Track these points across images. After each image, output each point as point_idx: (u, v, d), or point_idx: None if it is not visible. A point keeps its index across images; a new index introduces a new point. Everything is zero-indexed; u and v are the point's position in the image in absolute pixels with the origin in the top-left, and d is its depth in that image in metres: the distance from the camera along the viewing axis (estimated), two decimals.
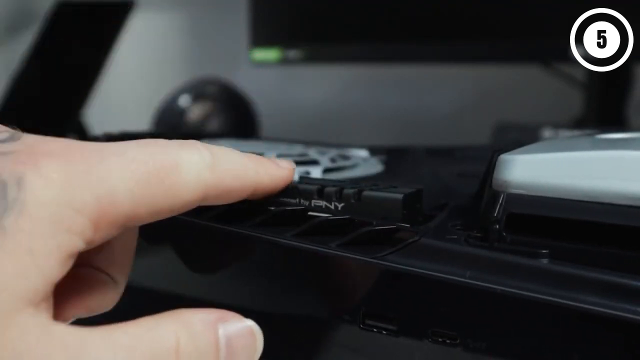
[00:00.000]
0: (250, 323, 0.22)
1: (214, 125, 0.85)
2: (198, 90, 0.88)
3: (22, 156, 0.19)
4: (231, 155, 0.24)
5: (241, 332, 0.21)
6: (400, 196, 0.26)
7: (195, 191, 0.22)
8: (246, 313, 0.27)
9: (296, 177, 0.28)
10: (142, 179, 0.21)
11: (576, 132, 0.59)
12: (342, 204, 0.27)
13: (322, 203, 0.27)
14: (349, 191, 0.27)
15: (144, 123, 0.90)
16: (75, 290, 0.22)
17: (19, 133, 0.21)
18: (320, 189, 0.27)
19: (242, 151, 0.29)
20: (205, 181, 0.23)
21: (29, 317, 0.19)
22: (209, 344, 0.21)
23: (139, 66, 1.13)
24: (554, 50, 0.65)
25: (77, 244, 0.20)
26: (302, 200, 0.27)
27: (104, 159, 0.20)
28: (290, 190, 0.27)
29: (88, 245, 0.20)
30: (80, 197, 0.19)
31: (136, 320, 0.20)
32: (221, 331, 0.21)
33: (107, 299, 0.24)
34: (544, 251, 0.23)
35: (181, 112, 0.86)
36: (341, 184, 0.28)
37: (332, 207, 0.27)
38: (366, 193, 0.26)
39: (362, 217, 0.26)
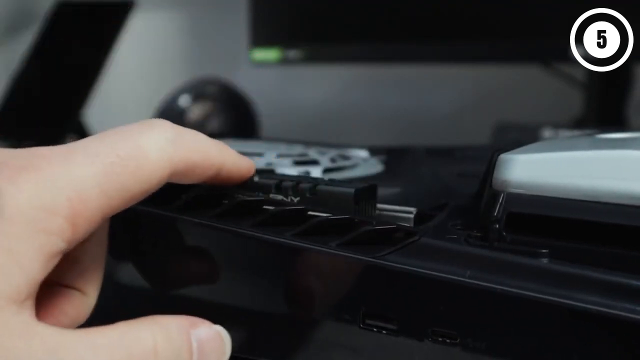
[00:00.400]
0: (218, 328, 0.23)
1: (214, 125, 0.85)
2: (198, 90, 0.88)
3: None
4: (194, 133, 0.25)
5: (211, 336, 0.23)
6: (352, 190, 0.27)
7: (161, 168, 0.23)
8: (246, 313, 0.27)
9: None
10: (107, 170, 0.22)
11: (576, 132, 0.59)
12: (298, 198, 0.28)
13: (280, 197, 0.29)
14: (304, 186, 0.28)
15: None
16: (47, 310, 0.23)
17: None
18: (278, 183, 0.29)
19: (242, 151, 0.29)
20: (169, 155, 0.23)
21: (13, 315, 0.19)
22: (184, 346, 0.22)
23: (139, 66, 1.13)
24: (554, 50, 0.65)
25: (57, 244, 0.20)
26: (260, 194, 0.29)
27: (68, 161, 0.21)
28: (249, 184, 0.29)
29: (69, 244, 0.21)
30: (52, 199, 0.20)
31: (114, 324, 0.21)
32: (194, 335, 0.22)
33: (80, 314, 0.24)
34: (544, 251, 0.23)
35: (181, 112, 0.86)
36: (299, 179, 0.29)
37: (289, 200, 0.28)
38: (320, 187, 0.28)
39: (318, 210, 0.27)
